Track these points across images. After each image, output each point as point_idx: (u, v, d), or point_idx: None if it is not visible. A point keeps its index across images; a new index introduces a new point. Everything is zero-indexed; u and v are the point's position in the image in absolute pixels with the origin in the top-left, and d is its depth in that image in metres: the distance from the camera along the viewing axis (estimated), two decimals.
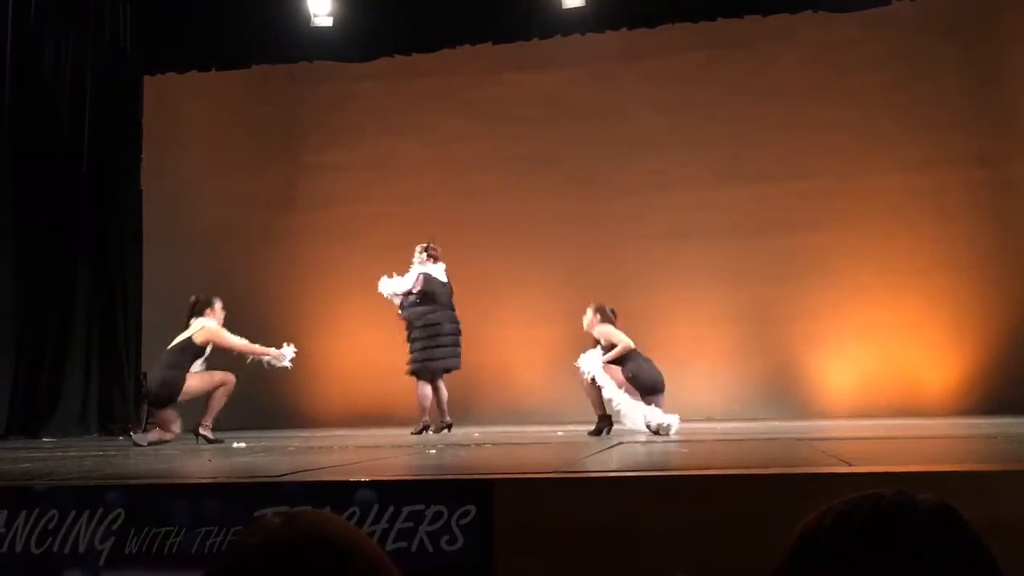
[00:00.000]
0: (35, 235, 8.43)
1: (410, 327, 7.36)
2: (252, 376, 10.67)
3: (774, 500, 2.67)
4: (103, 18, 9.33)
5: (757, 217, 10.06)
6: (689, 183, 10.23)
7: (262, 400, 10.59)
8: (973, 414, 8.75)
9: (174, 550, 2.99)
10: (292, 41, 9.64)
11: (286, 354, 7.03)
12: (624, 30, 9.74)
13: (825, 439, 5.13)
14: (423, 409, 7.27)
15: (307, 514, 0.97)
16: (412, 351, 7.33)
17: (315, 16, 9.32)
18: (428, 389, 7.28)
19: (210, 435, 6.84)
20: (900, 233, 9.81)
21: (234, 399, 10.46)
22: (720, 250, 10.09)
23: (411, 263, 7.44)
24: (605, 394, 6.52)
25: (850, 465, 3.35)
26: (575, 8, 9.06)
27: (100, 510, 3.07)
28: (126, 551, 3.03)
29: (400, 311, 7.41)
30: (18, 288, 8.19)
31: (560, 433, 6.97)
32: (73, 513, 3.08)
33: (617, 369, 6.61)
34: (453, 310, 7.44)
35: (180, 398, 6.80)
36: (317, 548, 0.92)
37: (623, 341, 6.72)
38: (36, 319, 8.40)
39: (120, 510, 3.07)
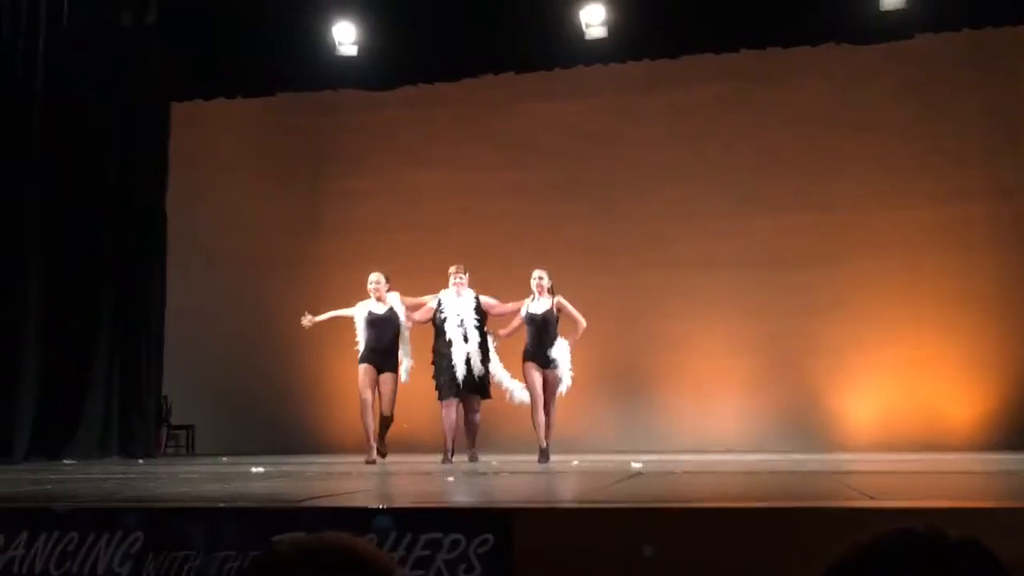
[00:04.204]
0: (61, 258, 8.51)
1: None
2: (271, 401, 10.73)
3: (797, 534, 2.64)
4: (132, 45, 9.46)
5: (778, 248, 10.02)
6: (710, 213, 10.22)
7: (282, 425, 10.62)
8: (995, 449, 8.64)
9: (192, 574, 2.99)
10: (317, 69, 9.74)
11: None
12: (646, 61, 9.78)
13: (847, 473, 5.07)
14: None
15: (334, 533, 0.98)
16: (489, 371, 7.41)
17: (340, 45, 9.42)
18: None
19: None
20: (922, 266, 9.75)
21: (253, 423, 10.55)
22: (741, 281, 10.05)
23: (459, 285, 7.44)
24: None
25: (873, 499, 3.32)
26: (597, 39, 9.12)
27: (119, 533, 3.08)
28: (144, 574, 3.03)
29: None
30: (42, 310, 8.26)
31: (576, 463, 6.94)
32: (92, 535, 3.09)
33: None
34: None
35: None
36: (344, 560, 0.93)
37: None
38: (59, 341, 8.46)
39: (139, 533, 3.08)
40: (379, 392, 7.45)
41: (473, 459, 7.28)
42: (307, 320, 7.77)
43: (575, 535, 2.88)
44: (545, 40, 9.42)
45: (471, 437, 7.41)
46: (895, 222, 9.86)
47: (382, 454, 7.52)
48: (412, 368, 7.55)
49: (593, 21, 9.06)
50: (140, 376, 9.28)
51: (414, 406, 7.71)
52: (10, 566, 3.11)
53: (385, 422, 7.51)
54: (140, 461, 8.40)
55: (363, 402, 7.46)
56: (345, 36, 9.40)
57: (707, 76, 10.09)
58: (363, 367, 7.48)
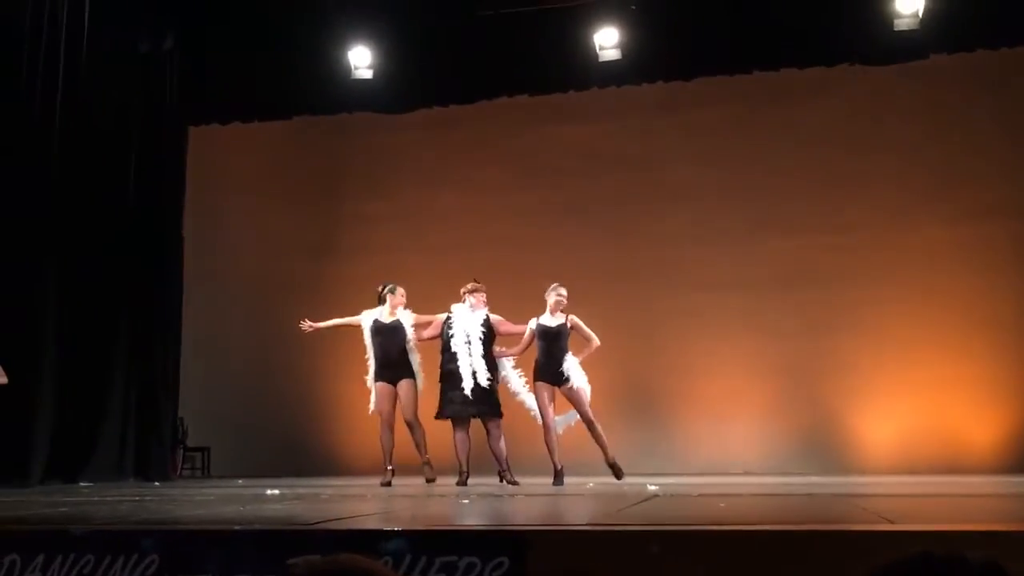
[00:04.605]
0: (78, 280, 8.56)
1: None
2: (287, 424, 10.74)
3: (815, 557, 2.62)
4: (150, 70, 9.57)
5: (794, 269, 9.99)
6: (725, 235, 10.20)
7: (297, 447, 10.62)
8: (1016, 472, 8.55)
9: None
10: (333, 93, 9.82)
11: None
12: (660, 83, 9.81)
13: (865, 496, 5.03)
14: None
15: (349, 555, 0.98)
16: (496, 391, 7.30)
17: (356, 68, 9.49)
18: None
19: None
20: (940, 287, 9.69)
21: (269, 446, 10.56)
22: (757, 302, 10.02)
23: (476, 303, 7.36)
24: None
25: (892, 523, 3.28)
26: (612, 61, 9.15)
27: (135, 555, 3.08)
28: None
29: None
30: (59, 332, 8.30)
31: (591, 485, 6.90)
32: (108, 558, 3.09)
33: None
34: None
35: None
36: None
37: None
38: (76, 364, 8.50)
39: (154, 556, 3.08)
40: (399, 401, 7.41)
41: (512, 482, 7.09)
42: (307, 325, 7.83)
43: (591, 558, 2.87)
44: (560, 62, 9.47)
45: (500, 461, 7.23)
46: (912, 242, 9.81)
47: (430, 479, 7.32)
48: (424, 384, 7.48)
49: (607, 43, 9.10)
50: (156, 398, 9.31)
51: (425, 427, 7.66)
52: None
53: (413, 432, 7.40)
54: (156, 483, 8.42)
55: (382, 420, 7.47)
56: (361, 60, 9.48)
57: (721, 97, 10.10)
58: (378, 386, 7.49)
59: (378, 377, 7.49)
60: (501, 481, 7.23)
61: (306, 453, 10.61)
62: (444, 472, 7.65)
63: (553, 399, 7.12)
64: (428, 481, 7.30)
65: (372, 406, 7.58)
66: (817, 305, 9.89)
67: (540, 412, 7.12)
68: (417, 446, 7.46)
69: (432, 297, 7.90)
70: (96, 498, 5.78)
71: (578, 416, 7.16)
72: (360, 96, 9.82)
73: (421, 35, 9.54)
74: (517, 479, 7.15)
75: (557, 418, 7.22)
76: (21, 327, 7.92)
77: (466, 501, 5.20)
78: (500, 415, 7.28)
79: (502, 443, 7.23)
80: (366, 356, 7.60)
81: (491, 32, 9.33)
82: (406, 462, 7.80)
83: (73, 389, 8.43)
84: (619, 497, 5.23)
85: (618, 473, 7.08)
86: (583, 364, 7.15)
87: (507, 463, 7.24)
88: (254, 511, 4.39)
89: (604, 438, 7.15)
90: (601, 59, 9.15)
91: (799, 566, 2.63)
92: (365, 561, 0.99)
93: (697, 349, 10.15)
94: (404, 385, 7.42)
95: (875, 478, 8.08)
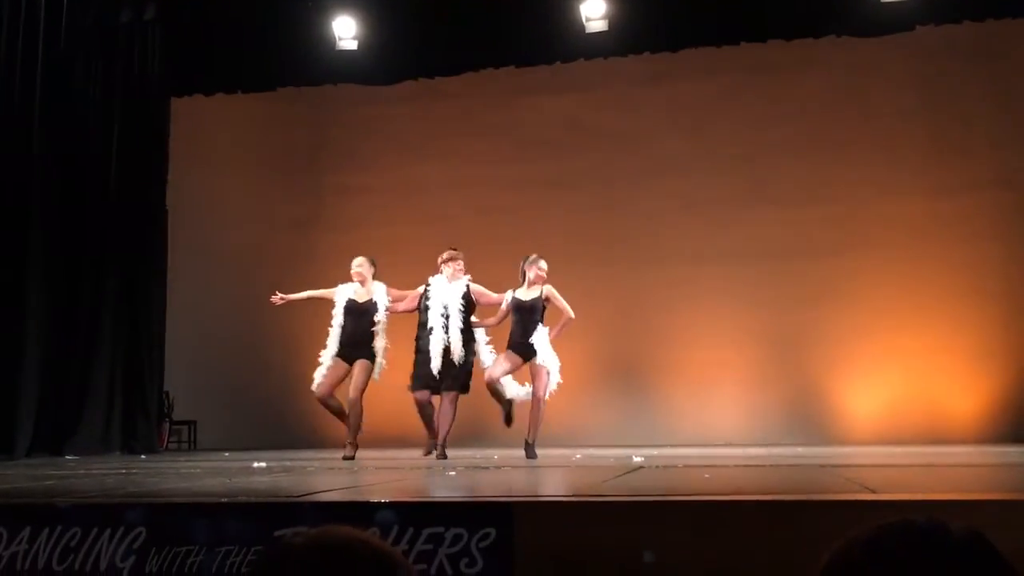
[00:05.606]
0: (62, 253, 8.52)
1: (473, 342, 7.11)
2: (273, 396, 10.74)
3: (798, 527, 2.64)
4: (132, 41, 9.47)
5: (780, 241, 10.02)
6: (711, 207, 10.22)
7: (284, 420, 10.63)
8: (1000, 442, 8.64)
9: (194, 569, 3.00)
10: (317, 64, 9.73)
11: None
12: (647, 54, 9.76)
13: (849, 466, 5.07)
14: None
15: (343, 527, 0.99)
16: (469, 367, 7.06)
17: (340, 39, 9.41)
18: None
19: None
20: (926, 257, 9.74)
21: (255, 419, 10.56)
22: (743, 274, 10.05)
23: (454, 272, 7.13)
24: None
25: (875, 492, 3.32)
26: (598, 32, 9.10)
27: (122, 528, 3.09)
28: (147, 570, 3.04)
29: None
30: (45, 306, 8.27)
31: (578, 456, 6.93)
32: (95, 531, 3.10)
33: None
34: None
35: None
36: (354, 552, 0.94)
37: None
38: (61, 336, 8.47)
39: (141, 528, 3.08)
40: (348, 378, 7.13)
41: (438, 454, 6.79)
42: (278, 298, 7.65)
43: (577, 528, 2.89)
44: (546, 34, 9.40)
45: (439, 433, 6.87)
46: (899, 213, 9.84)
47: (347, 458, 6.86)
48: (385, 368, 7.20)
49: (594, 15, 9.04)
50: (142, 372, 9.29)
51: (405, 402, 7.63)
52: (13, 562, 3.11)
53: (351, 409, 7.09)
54: (142, 457, 8.42)
55: (320, 398, 7.18)
56: (345, 30, 9.39)
57: (708, 69, 10.07)
58: (334, 360, 7.19)
59: (337, 353, 7.21)
60: (429, 453, 6.95)
61: (293, 426, 10.61)
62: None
63: (516, 370, 6.91)
64: (345, 459, 6.85)
65: (317, 380, 7.24)
66: (803, 276, 9.93)
67: (488, 371, 6.89)
68: (349, 425, 7.11)
69: (418, 269, 7.87)
70: (82, 471, 5.77)
71: (530, 391, 6.88)
72: (345, 67, 9.73)
73: (406, 6, 9.45)
74: (484, 452, 7.01)
75: (517, 389, 6.98)
76: (5, 299, 7.88)
77: (452, 473, 5.22)
78: (464, 391, 6.99)
79: (450, 418, 6.90)
80: (329, 326, 7.36)
81: (477, 3, 9.26)
82: (394, 435, 7.82)
83: (59, 362, 8.41)
84: (605, 468, 5.26)
85: (530, 453, 6.71)
86: (558, 339, 6.93)
87: (445, 440, 6.90)
88: (241, 484, 4.40)
89: (539, 423, 6.83)
90: (588, 31, 9.10)
91: (783, 535, 2.65)
92: (359, 532, 0.99)
93: (682, 320, 10.19)
94: (360, 364, 7.11)
95: (859, 448, 8.15)
